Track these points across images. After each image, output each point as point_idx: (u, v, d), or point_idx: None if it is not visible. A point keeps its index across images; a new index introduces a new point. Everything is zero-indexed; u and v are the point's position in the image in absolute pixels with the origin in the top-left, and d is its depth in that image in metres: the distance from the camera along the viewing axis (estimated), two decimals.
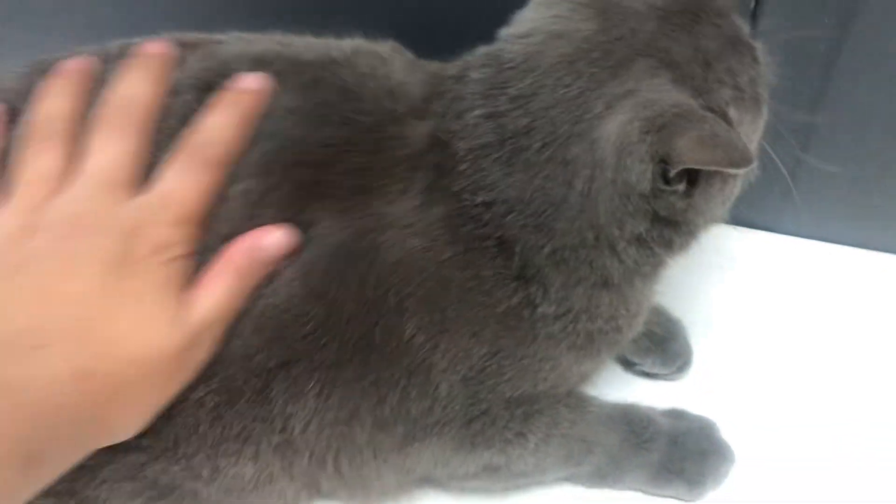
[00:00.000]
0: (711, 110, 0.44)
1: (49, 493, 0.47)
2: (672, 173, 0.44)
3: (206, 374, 0.46)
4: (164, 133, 0.47)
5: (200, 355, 0.44)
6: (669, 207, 0.46)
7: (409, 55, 0.53)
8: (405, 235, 0.46)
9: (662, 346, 0.62)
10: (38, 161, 0.47)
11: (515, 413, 0.52)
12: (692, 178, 0.45)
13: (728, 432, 0.58)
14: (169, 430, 0.47)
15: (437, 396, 0.49)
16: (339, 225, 0.46)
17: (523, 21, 0.48)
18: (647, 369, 0.62)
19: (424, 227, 0.46)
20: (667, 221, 0.47)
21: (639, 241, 0.47)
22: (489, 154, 0.46)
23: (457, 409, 0.50)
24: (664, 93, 0.44)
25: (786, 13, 0.57)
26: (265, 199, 0.46)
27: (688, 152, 0.42)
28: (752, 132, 0.48)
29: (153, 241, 0.43)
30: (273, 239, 0.45)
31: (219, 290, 0.44)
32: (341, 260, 0.46)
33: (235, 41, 0.53)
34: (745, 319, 0.66)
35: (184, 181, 0.45)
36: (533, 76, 0.45)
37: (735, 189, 0.49)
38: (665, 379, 0.63)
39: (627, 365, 0.63)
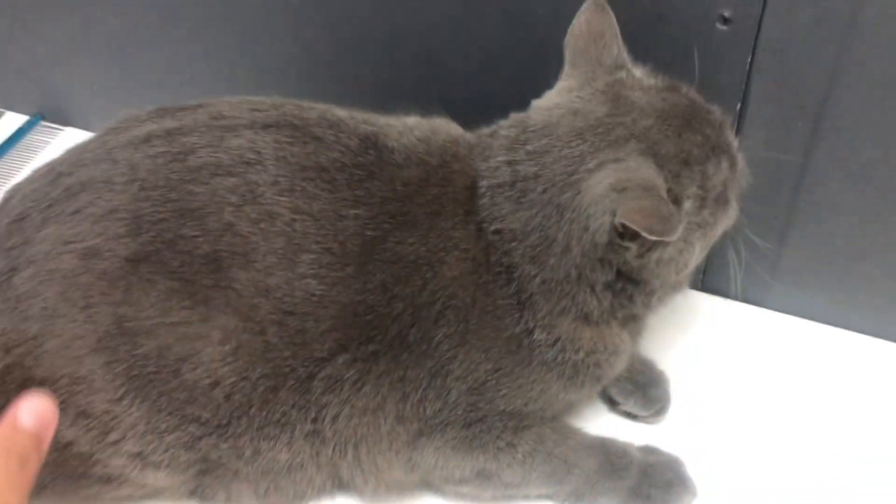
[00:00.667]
0: (673, 196, 0.55)
1: (120, 453, 0.57)
2: (618, 229, 0.54)
3: (265, 359, 0.56)
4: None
5: None
6: (626, 263, 0.57)
7: None
8: (463, 257, 0.58)
9: (644, 390, 0.71)
10: None
11: (507, 424, 0.61)
12: (645, 241, 0.55)
13: (694, 470, 0.66)
14: (226, 408, 0.57)
15: (448, 400, 0.59)
16: (419, 241, 0.57)
17: (550, 97, 0.62)
18: (628, 409, 0.71)
19: (475, 253, 0.58)
20: (628, 277, 0.58)
21: (611, 288, 0.58)
22: (503, 192, 0.58)
23: (459, 414, 0.59)
24: (643, 169, 0.54)
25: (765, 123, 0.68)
26: (368, 227, 0.57)
27: (627, 213, 0.53)
28: (712, 224, 0.59)
29: None
30: (30, 411, 0.44)
31: None
32: (412, 266, 0.57)
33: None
34: (723, 380, 0.74)
35: None
36: (548, 138, 0.58)
37: (689, 261, 0.59)
38: (643, 421, 0.71)
39: (612, 404, 0.72)
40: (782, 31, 0.62)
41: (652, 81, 0.60)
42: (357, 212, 0.58)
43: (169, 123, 0.60)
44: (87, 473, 0.59)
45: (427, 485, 0.64)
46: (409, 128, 0.63)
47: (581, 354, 0.60)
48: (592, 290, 0.58)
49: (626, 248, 0.56)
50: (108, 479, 0.60)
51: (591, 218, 0.55)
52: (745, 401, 0.73)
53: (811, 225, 0.73)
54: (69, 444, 0.57)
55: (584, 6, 0.61)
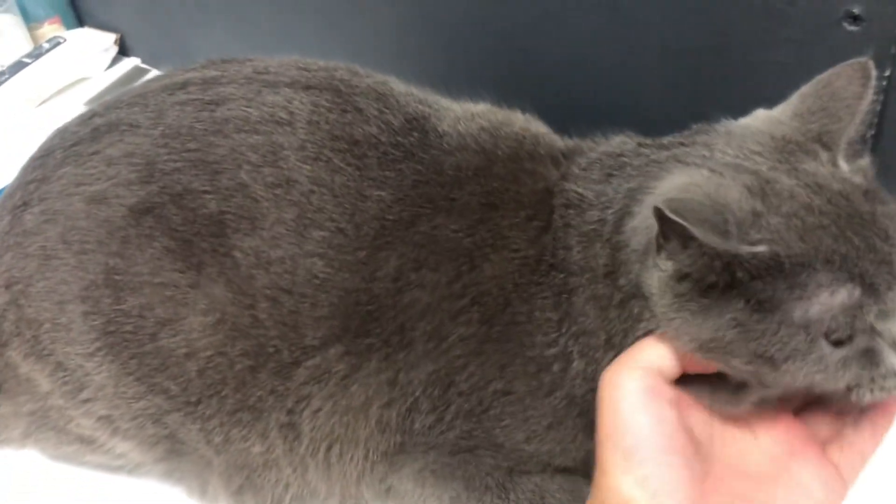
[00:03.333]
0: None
1: (90, 413, 0.56)
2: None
3: (248, 336, 0.51)
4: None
5: None
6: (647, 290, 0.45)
7: None
8: (511, 258, 0.51)
9: None
10: None
11: (501, 464, 0.52)
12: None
13: None
14: (197, 384, 0.53)
15: (443, 417, 0.51)
16: (464, 231, 0.51)
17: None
18: None
19: (525, 256, 0.51)
20: None
21: None
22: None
23: (449, 438, 0.52)
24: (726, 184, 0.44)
25: None
26: (391, 211, 0.52)
27: (669, 201, 0.41)
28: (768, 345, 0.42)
29: None
30: None
31: None
32: (447, 254, 0.51)
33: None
34: None
35: None
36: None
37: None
38: None
39: None
40: None
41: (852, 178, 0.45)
42: (381, 194, 0.52)
43: (211, 72, 0.58)
44: (66, 429, 0.59)
45: None
46: (472, 115, 0.57)
47: None
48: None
49: (659, 268, 0.44)
50: (83, 440, 0.59)
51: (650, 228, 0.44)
52: None
53: None
54: (48, 393, 0.57)
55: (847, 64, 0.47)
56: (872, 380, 0.42)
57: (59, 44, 1.04)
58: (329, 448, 0.54)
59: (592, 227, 0.49)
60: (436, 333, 0.50)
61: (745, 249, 0.40)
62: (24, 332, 0.55)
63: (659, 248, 0.43)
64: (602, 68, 0.65)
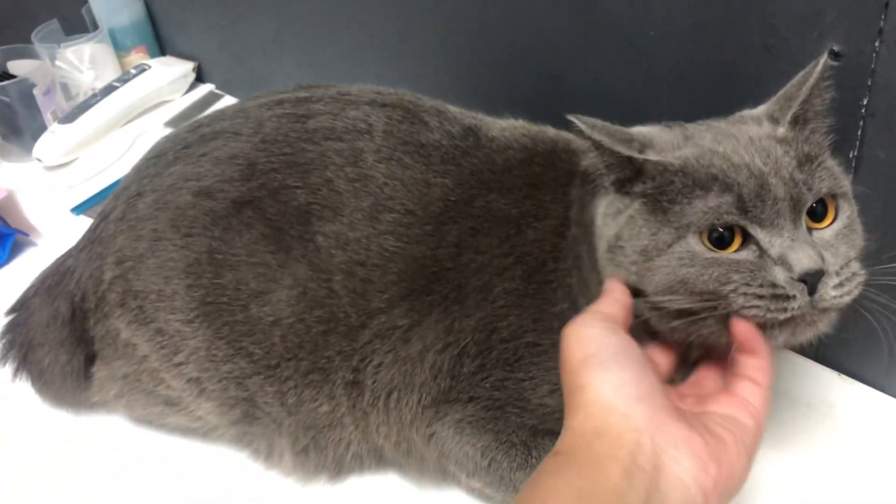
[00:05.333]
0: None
1: (182, 375, 0.65)
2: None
3: (323, 304, 0.61)
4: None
5: None
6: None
7: None
8: (550, 226, 0.61)
9: None
10: None
11: (526, 422, 0.60)
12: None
13: None
14: (279, 348, 0.62)
15: (485, 362, 0.60)
16: (513, 204, 0.61)
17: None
18: None
19: (559, 225, 0.60)
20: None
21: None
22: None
23: (486, 388, 0.60)
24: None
25: None
26: (453, 193, 0.62)
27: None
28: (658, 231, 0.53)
29: None
30: None
31: None
32: (498, 221, 0.61)
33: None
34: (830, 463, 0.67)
35: None
36: None
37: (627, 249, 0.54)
38: None
39: None
40: None
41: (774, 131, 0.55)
42: (445, 181, 0.62)
43: (301, 93, 0.69)
44: (155, 392, 0.68)
45: (444, 473, 0.65)
46: (515, 126, 0.67)
47: None
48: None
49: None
50: (169, 402, 0.68)
51: None
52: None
53: None
54: (145, 356, 0.66)
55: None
56: (747, 284, 0.49)
57: (144, 70, 1.15)
58: (388, 395, 0.62)
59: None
60: (485, 287, 0.60)
61: (637, 155, 0.52)
62: (130, 303, 0.65)
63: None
64: (621, 96, 0.74)
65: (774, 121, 0.55)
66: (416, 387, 0.62)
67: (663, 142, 0.55)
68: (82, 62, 1.14)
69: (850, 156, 0.62)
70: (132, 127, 1.13)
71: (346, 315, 0.61)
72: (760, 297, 0.49)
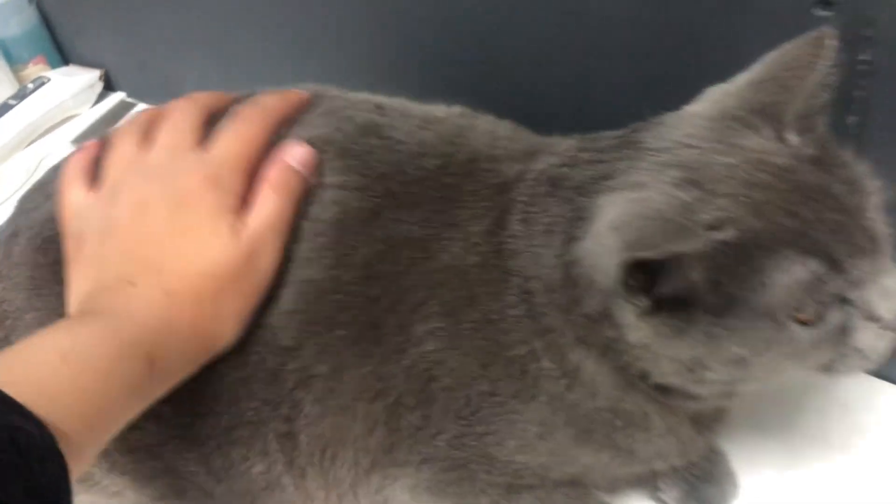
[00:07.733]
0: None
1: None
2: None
3: (231, 351, 0.50)
4: None
5: (265, 262, 0.50)
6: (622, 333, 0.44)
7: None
8: (467, 249, 0.49)
9: (694, 485, 0.55)
10: (121, 145, 0.55)
11: (496, 479, 0.50)
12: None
13: None
14: (186, 404, 0.51)
15: (430, 416, 0.49)
16: (419, 223, 0.50)
17: None
18: (667, 501, 0.56)
19: (484, 250, 0.48)
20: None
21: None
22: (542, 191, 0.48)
23: (441, 447, 0.49)
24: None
25: None
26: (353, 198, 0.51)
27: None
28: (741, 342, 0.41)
29: (204, 183, 0.51)
30: (296, 155, 0.52)
31: (264, 206, 0.50)
32: (403, 246, 0.49)
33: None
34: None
35: (229, 137, 0.53)
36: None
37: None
38: None
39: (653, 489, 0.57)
40: None
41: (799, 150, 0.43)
42: (345, 178, 0.52)
43: None
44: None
45: None
46: (435, 119, 0.55)
47: (600, 401, 0.47)
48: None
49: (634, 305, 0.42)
50: (81, 479, 0.56)
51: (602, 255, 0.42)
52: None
53: None
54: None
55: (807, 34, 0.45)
56: (844, 356, 0.41)
57: (43, 84, 1.02)
58: (323, 452, 0.52)
59: (539, 241, 0.47)
60: (403, 327, 0.49)
61: (709, 239, 0.38)
62: None
63: (628, 289, 0.40)
64: (570, 70, 0.62)
65: (771, 121, 0.43)
66: (348, 441, 0.51)
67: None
68: None
69: (847, 122, 0.50)
70: (35, 149, 1.00)
71: (260, 357, 0.50)
72: (850, 367, 0.43)
